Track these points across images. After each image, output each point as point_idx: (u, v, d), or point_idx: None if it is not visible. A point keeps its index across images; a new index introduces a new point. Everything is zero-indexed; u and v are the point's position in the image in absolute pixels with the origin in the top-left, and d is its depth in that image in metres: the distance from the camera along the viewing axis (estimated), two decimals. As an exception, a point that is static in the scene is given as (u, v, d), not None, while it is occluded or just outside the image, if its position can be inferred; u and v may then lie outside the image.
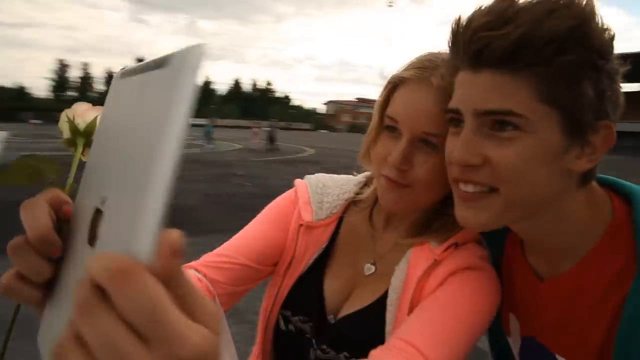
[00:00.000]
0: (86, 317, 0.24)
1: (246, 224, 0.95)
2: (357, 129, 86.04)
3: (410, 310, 0.76)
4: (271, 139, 23.64)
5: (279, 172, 13.37)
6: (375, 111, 0.84)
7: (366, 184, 0.96)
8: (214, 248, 0.90)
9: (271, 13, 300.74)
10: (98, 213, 0.33)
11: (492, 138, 0.64)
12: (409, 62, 0.81)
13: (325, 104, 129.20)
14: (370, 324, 0.80)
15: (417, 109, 0.75)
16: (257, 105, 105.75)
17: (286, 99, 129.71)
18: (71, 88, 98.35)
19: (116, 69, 0.45)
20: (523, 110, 0.61)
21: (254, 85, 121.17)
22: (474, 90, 0.64)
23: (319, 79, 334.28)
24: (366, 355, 0.67)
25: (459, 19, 0.66)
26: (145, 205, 0.25)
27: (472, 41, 0.63)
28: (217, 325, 0.27)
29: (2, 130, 0.53)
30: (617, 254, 0.67)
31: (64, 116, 0.50)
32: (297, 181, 0.97)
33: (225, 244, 0.90)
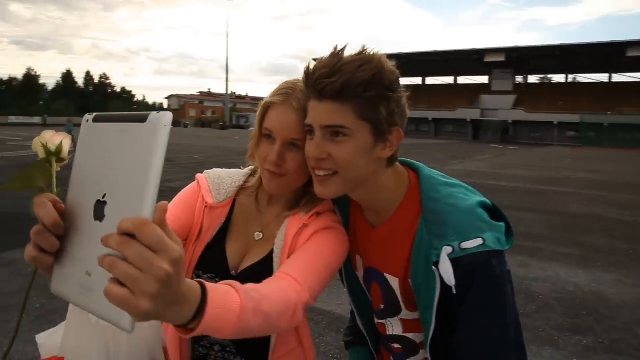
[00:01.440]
0: (127, 246, 0.48)
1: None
2: (203, 123, 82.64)
3: None
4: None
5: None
6: (256, 125, 1.13)
7: (252, 174, 1.26)
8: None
9: (96, 0, 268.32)
10: (99, 203, 0.55)
11: (331, 142, 0.98)
12: (275, 90, 1.11)
13: (167, 98, 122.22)
14: (263, 273, 1.03)
15: (286, 122, 1.05)
16: (95, 100, 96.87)
17: (126, 93, 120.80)
18: None
19: None
20: (349, 124, 0.95)
21: (88, 78, 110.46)
22: (320, 113, 0.97)
23: (158, 72, 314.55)
24: None
25: (309, 67, 0.99)
26: (147, 197, 0.49)
27: (316, 84, 0.96)
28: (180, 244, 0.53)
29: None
30: (412, 206, 1.07)
31: (37, 142, 0.66)
32: (198, 175, 1.25)
33: None
